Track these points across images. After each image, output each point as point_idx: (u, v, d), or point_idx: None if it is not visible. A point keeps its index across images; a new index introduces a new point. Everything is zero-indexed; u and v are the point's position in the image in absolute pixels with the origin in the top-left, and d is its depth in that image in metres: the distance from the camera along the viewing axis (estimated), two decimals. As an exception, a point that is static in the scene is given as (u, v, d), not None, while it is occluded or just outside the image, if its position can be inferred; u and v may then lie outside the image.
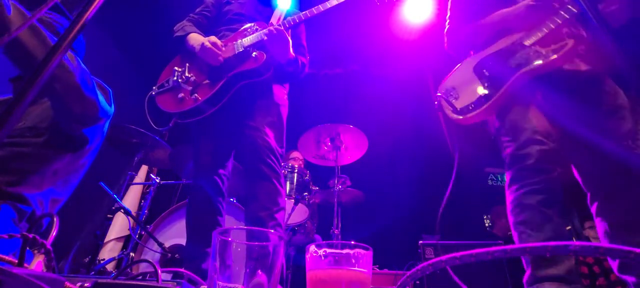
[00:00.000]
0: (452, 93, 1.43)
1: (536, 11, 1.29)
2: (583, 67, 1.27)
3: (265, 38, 1.60)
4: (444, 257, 0.44)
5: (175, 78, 1.67)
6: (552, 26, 1.25)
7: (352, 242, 0.58)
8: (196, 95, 1.61)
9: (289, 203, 2.67)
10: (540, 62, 1.23)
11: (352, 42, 3.89)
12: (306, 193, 2.91)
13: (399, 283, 0.47)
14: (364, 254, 0.58)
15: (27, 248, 0.58)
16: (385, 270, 2.48)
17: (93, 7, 0.60)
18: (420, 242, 2.11)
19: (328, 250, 0.57)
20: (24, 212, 1.05)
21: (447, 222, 3.38)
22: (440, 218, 1.51)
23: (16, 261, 0.55)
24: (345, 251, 0.57)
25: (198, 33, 1.75)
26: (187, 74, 1.67)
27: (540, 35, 1.27)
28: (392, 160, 4.04)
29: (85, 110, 1.10)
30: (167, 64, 1.80)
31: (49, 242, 0.61)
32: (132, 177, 2.56)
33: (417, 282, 2.02)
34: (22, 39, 0.95)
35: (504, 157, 1.29)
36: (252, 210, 1.47)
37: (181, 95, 1.63)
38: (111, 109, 1.26)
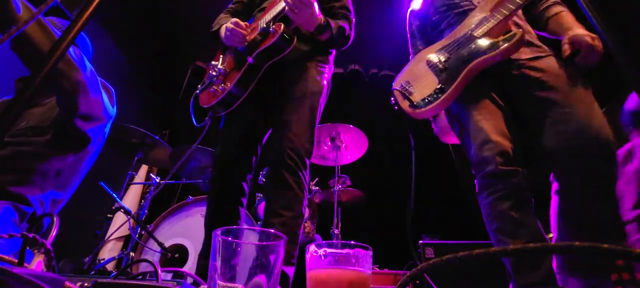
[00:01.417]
0: (407, 87, 1.41)
1: None
2: (534, 54, 1.27)
3: (286, 7, 1.43)
4: (444, 257, 0.44)
5: (210, 72, 1.61)
6: (500, 17, 1.26)
7: (352, 242, 0.58)
8: (224, 84, 1.52)
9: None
10: (492, 52, 1.23)
11: (353, 41, 3.89)
12: (306, 193, 2.90)
13: (399, 284, 0.47)
14: (364, 254, 0.58)
15: (27, 248, 0.58)
16: (385, 270, 2.48)
17: (94, 5, 0.60)
18: (420, 241, 2.11)
19: (328, 250, 0.57)
20: (25, 213, 1.05)
21: (447, 222, 3.38)
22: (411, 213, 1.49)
23: (16, 261, 0.55)
24: (345, 251, 0.57)
25: None
26: (220, 66, 1.59)
27: (490, 25, 1.28)
28: (392, 160, 4.03)
29: (90, 108, 1.11)
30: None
31: (49, 242, 0.61)
32: (132, 177, 2.56)
33: (417, 281, 2.02)
34: (31, 35, 0.96)
35: (467, 155, 1.28)
36: (265, 215, 1.32)
37: (214, 87, 1.55)
38: (113, 111, 1.26)
